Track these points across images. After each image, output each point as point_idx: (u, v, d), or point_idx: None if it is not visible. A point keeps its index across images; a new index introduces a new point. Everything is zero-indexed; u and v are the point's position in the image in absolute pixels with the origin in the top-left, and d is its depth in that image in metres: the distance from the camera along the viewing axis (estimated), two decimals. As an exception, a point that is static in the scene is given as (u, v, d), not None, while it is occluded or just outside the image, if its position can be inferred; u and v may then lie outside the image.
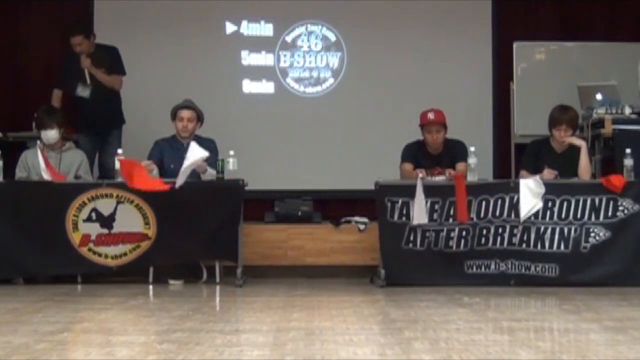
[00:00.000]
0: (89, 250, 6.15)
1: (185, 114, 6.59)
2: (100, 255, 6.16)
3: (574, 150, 6.38)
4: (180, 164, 6.45)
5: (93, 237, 6.15)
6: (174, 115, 6.62)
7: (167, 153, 6.61)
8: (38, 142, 6.58)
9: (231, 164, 6.24)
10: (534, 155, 6.50)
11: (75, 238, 6.15)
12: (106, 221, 6.15)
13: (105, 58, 7.23)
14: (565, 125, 6.37)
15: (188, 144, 6.58)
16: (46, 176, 6.23)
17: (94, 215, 6.16)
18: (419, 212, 6.02)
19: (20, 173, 6.52)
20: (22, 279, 6.22)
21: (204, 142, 6.64)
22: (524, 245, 6.09)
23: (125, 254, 6.17)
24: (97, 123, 7.25)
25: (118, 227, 6.15)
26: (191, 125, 6.60)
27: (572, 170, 6.34)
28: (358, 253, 6.80)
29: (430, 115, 6.44)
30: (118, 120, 7.40)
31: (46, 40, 8.32)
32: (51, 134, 6.54)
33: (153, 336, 4.08)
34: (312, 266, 6.84)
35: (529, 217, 6.06)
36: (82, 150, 6.91)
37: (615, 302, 5.23)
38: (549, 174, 6.28)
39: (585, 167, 6.34)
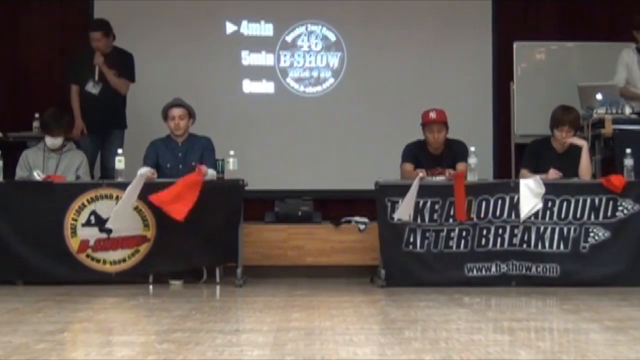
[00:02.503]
0: (87, 256, 6.11)
1: (176, 112, 6.57)
2: (99, 261, 6.12)
3: (575, 150, 6.39)
4: (176, 164, 6.47)
5: (92, 243, 6.11)
6: (165, 115, 6.60)
7: (163, 153, 6.59)
8: (41, 144, 6.68)
9: (231, 164, 6.24)
10: (535, 155, 6.51)
11: (74, 244, 6.11)
12: (105, 225, 6.12)
13: (118, 62, 7.28)
14: (568, 126, 6.38)
15: (183, 143, 6.59)
16: (38, 178, 6.22)
17: (93, 218, 6.12)
18: (404, 208, 6.00)
19: (21, 172, 6.54)
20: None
21: (200, 140, 6.64)
22: (524, 246, 6.09)
23: (124, 260, 6.13)
24: (100, 122, 7.26)
25: (117, 231, 6.11)
26: (183, 123, 6.58)
27: (573, 170, 6.35)
28: (358, 253, 6.80)
29: (432, 115, 6.45)
30: (121, 121, 7.41)
31: (46, 40, 8.33)
32: (56, 142, 6.61)
33: (153, 336, 4.08)
34: (312, 266, 6.84)
35: (529, 217, 6.06)
36: (83, 150, 6.93)
37: (615, 302, 5.23)
38: (554, 174, 6.28)
39: (586, 167, 6.34)
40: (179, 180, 6.04)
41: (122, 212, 6.02)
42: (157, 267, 6.22)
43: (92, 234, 6.12)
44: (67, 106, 7.27)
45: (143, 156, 6.60)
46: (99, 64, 7.20)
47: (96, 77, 7.22)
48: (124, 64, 7.32)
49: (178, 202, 5.95)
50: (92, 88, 7.25)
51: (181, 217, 5.93)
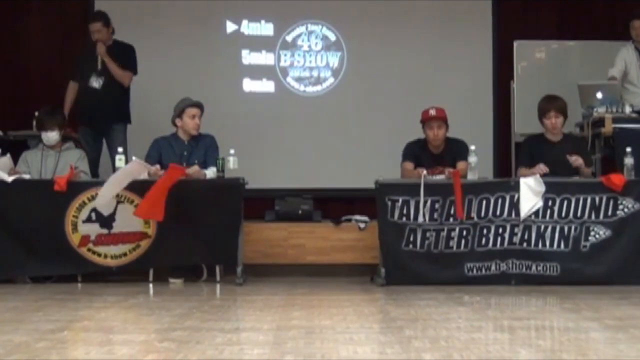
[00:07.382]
0: (89, 250, 6.14)
1: (196, 111, 6.58)
2: (99, 255, 6.15)
3: (570, 141, 6.41)
4: (180, 163, 6.44)
5: (92, 238, 6.14)
6: (181, 112, 6.59)
7: (166, 151, 6.57)
8: (40, 144, 6.69)
9: (232, 162, 6.25)
10: (530, 151, 6.50)
11: (75, 239, 6.14)
12: (106, 221, 6.14)
13: (120, 54, 7.27)
14: (555, 112, 6.39)
15: (188, 142, 6.59)
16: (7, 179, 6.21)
17: (93, 215, 6.14)
18: (423, 212, 6.03)
19: (19, 168, 6.53)
20: (28, 278, 6.22)
21: (204, 139, 6.64)
22: (524, 245, 6.09)
23: (125, 254, 6.16)
24: (101, 117, 7.22)
25: (118, 227, 6.14)
26: (199, 123, 6.60)
27: (568, 161, 6.33)
28: (358, 252, 6.80)
29: (432, 112, 6.47)
30: (123, 115, 7.37)
31: (46, 40, 8.35)
32: (52, 135, 6.58)
33: (153, 335, 4.08)
34: (313, 265, 6.85)
35: (530, 216, 6.06)
36: (85, 143, 7.04)
37: (616, 300, 5.23)
38: (539, 170, 6.25)
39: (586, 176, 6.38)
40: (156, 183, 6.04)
41: (108, 193, 6.02)
42: (157, 262, 6.23)
43: (93, 229, 6.14)
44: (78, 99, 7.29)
45: (145, 155, 6.59)
46: (101, 53, 7.18)
47: (99, 67, 7.17)
48: (125, 55, 7.30)
49: (151, 206, 5.98)
50: (95, 82, 7.22)
51: (160, 218, 5.99)
